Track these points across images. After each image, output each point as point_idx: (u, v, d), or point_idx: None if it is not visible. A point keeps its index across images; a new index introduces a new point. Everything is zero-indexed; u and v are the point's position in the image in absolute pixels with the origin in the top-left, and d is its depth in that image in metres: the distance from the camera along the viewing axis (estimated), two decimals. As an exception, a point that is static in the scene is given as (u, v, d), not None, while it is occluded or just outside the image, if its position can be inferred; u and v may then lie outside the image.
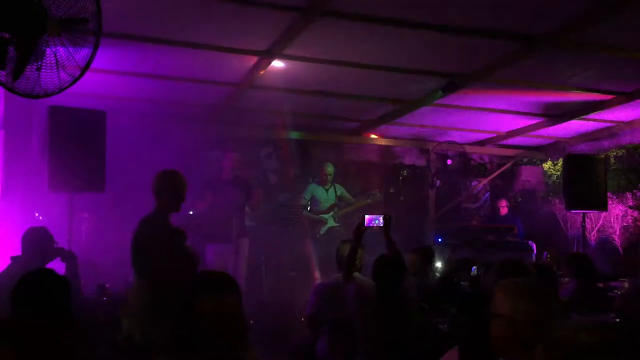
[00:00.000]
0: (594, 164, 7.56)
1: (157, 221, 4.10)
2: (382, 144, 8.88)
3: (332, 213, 8.04)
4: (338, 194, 8.11)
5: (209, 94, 6.73)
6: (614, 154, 9.61)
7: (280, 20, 4.62)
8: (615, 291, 5.77)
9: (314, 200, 8.12)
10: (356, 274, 4.78)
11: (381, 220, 4.52)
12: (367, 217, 4.55)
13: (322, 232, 8.00)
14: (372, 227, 4.54)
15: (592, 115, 7.22)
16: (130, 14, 4.49)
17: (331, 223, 8.02)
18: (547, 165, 10.31)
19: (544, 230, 9.08)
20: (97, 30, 3.12)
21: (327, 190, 8.13)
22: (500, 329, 2.31)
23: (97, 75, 5.28)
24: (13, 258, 4.35)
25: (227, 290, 2.08)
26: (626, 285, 5.94)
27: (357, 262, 4.75)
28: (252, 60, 5.51)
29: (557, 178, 10.16)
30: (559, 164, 9.67)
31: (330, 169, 8.06)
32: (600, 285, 5.79)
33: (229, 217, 6.75)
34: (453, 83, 6.01)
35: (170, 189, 4.13)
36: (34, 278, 2.85)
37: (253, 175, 7.50)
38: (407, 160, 9.19)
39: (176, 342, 2.04)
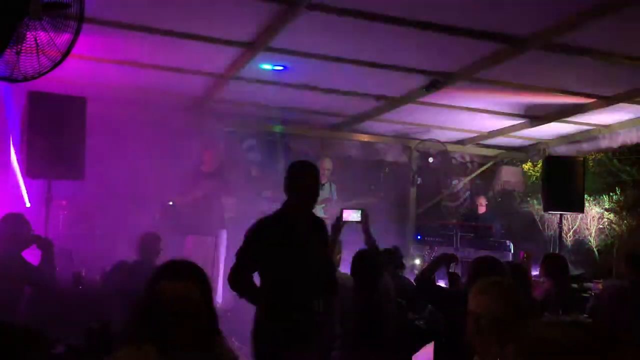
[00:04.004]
0: (572, 166, 7.65)
1: None
2: (365, 140, 8.88)
3: (323, 205, 7.97)
4: (331, 191, 8.02)
5: (191, 85, 6.68)
6: (593, 157, 9.72)
7: (266, 13, 4.59)
8: (589, 292, 5.86)
9: None
10: (334, 268, 4.78)
11: (359, 215, 4.51)
12: (344, 211, 4.55)
13: None
14: (350, 221, 4.53)
15: (572, 118, 7.29)
16: (113, 1, 4.44)
17: (320, 214, 7.97)
18: (527, 166, 10.40)
19: (522, 230, 9.18)
20: (79, 15, 3.09)
21: (322, 185, 8.06)
22: (473, 326, 2.33)
23: (78, 62, 5.21)
24: (-12, 244, 4.29)
25: (186, 276, 2.06)
26: (600, 286, 6.03)
27: (335, 257, 4.75)
28: (236, 52, 5.48)
29: (536, 179, 10.25)
30: (539, 165, 9.75)
31: (329, 164, 7.98)
32: (575, 285, 5.87)
33: (209, 209, 6.72)
34: (437, 81, 6.04)
35: None
36: None
37: (233, 165, 7.45)
38: (390, 157, 9.20)
39: (138, 330, 2.02)
